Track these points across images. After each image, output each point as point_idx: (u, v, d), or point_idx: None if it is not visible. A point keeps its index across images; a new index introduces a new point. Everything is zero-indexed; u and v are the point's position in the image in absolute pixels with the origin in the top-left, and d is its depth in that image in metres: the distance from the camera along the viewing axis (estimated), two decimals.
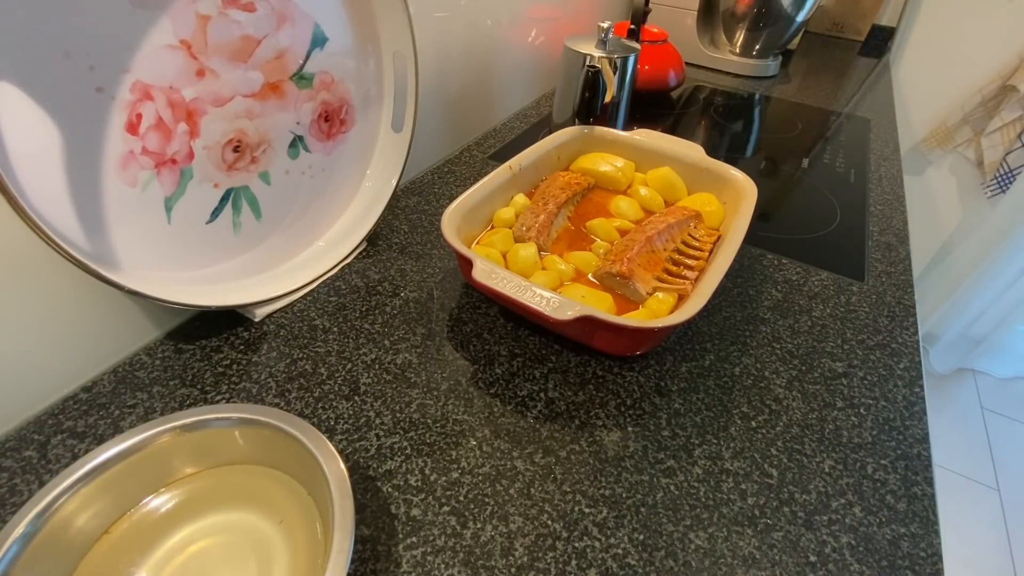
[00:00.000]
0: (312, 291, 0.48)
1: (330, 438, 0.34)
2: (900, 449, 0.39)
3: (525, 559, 0.31)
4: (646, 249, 0.46)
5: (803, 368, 0.45)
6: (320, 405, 0.39)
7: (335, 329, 0.45)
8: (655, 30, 0.90)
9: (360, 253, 0.53)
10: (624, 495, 0.35)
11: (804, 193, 0.71)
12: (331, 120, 0.48)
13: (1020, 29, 1.27)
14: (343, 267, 0.51)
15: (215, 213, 0.42)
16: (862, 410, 0.42)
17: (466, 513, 0.33)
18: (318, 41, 0.44)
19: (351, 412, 0.39)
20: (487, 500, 0.34)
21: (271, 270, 0.47)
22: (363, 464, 0.36)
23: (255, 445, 0.33)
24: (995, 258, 1.44)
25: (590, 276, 0.47)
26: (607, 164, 0.58)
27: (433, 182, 0.65)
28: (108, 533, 0.30)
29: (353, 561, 0.30)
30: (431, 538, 0.32)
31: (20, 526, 0.26)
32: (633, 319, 0.42)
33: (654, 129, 0.61)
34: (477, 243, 0.49)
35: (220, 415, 0.32)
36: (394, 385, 0.41)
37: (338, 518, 0.27)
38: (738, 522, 0.34)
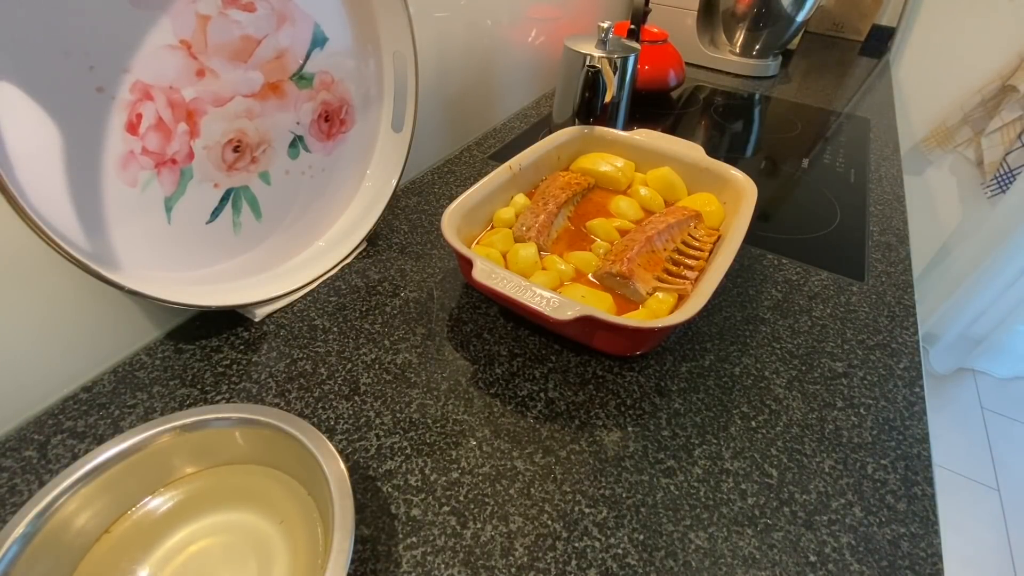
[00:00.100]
0: (312, 291, 0.48)
1: (330, 438, 0.34)
2: (900, 449, 0.39)
3: (525, 559, 0.31)
4: (646, 249, 0.46)
5: (803, 368, 0.45)
6: (320, 405, 0.39)
7: (335, 329, 0.45)
8: (655, 30, 0.90)
9: (360, 253, 0.53)
10: (624, 495, 0.35)
11: (804, 193, 0.71)
12: (331, 120, 0.48)
13: (1020, 29, 1.27)
14: (343, 267, 0.51)
15: (215, 213, 0.42)
16: (862, 410, 0.42)
17: (466, 513, 0.33)
18: (318, 41, 0.44)
19: (351, 412, 0.39)
20: (487, 500, 0.34)
21: (271, 270, 0.47)
22: (363, 464, 0.36)
23: (255, 445, 0.32)
24: (995, 258, 1.44)
25: (590, 276, 0.47)
26: (607, 164, 0.58)
27: (433, 182, 0.65)
28: (108, 533, 0.30)
29: (353, 561, 0.30)
30: (431, 538, 0.32)
31: (20, 526, 0.26)
32: (633, 319, 0.42)
33: (654, 129, 0.61)
34: (477, 243, 0.49)
35: (220, 415, 0.32)
36: (394, 385, 0.41)
37: (338, 518, 0.27)
38: (738, 522, 0.34)
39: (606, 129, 0.61)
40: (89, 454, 0.29)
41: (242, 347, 0.43)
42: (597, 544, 0.32)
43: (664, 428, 0.39)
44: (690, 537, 0.33)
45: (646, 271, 0.45)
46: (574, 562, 0.31)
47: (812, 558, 0.33)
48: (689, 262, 0.47)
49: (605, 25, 0.65)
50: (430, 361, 0.43)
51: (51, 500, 0.27)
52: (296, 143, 0.46)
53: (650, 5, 0.92)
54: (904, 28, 1.36)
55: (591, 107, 0.69)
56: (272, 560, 0.30)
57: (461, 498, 0.34)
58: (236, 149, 0.41)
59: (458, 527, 0.33)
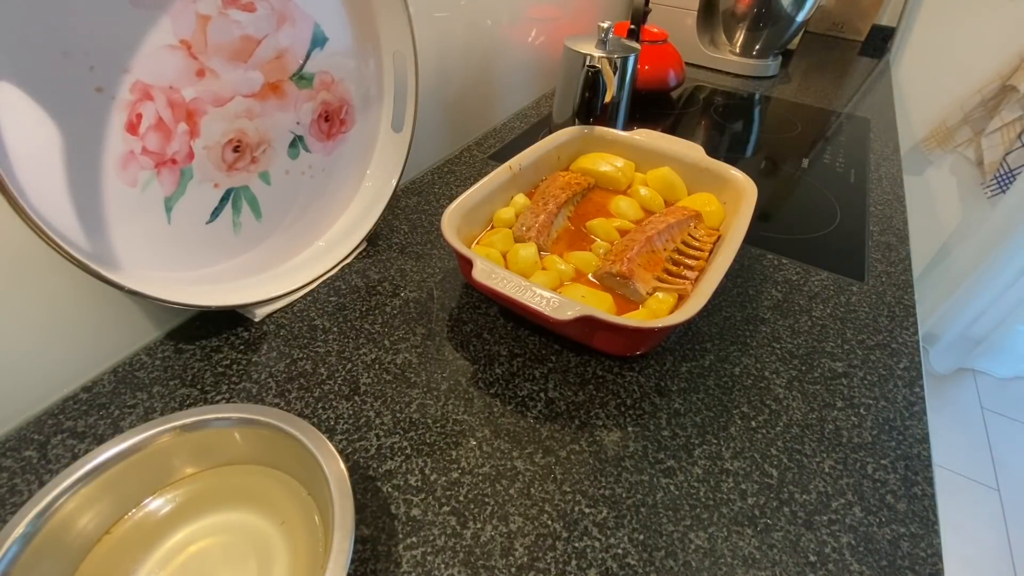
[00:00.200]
0: (312, 291, 0.48)
1: (330, 438, 0.34)
2: (900, 449, 0.39)
3: (525, 559, 0.31)
4: (646, 249, 0.46)
5: (803, 368, 0.45)
6: (320, 405, 0.39)
7: (335, 329, 0.45)
8: (655, 30, 0.90)
9: (360, 253, 0.53)
10: (624, 495, 0.35)
11: (804, 193, 0.71)
12: (331, 120, 0.48)
13: (1020, 29, 1.27)
14: (343, 267, 0.51)
15: (215, 213, 0.42)
16: (862, 410, 0.42)
17: (466, 513, 0.33)
18: (318, 41, 0.44)
19: (351, 412, 0.39)
20: (487, 500, 0.34)
21: (271, 270, 0.47)
22: (363, 464, 0.36)
23: (255, 445, 0.32)
24: (995, 258, 1.44)
25: (590, 276, 0.47)
26: (607, 164, 0.58)
27: (433, 182, 0.65)
28: (108, 533, 0.30)
29: (353, 561, 0.30)
30: (431, 538, 0.32)
31: (20, 526, 0.26)
32: (633, 319, 0.42)
33: (654, 129, 0.61)
34: (477, 243, 0.49)
35: (220, 415, 0.32)
36: (394, 385, 0.41)
37: (338, 518, 0.27)
38: (738, 522, 0.34)
39: (606, 129, 0.61)
40: (89, 454, 0.29)
41: (242, 347, 0.43)
42: (597, 544, 0.32)
43: (664, 428, 0.39)
44: (690, 537, 0.33)
45: (646, 271, 0.45)
46: (574, 562, 0.31)
47: (812, 558, 0.33)
48: (689, 262, 0.47)
49: (605, 25, 0.65)
50: (430, 361, 0.43)
51: (51, 500, 0.27)
52: (296, 143, 0.46)
53: (650, 5, 0.92)
54: (904, 28, 1.36)
55: (591, 107, 0.69)
56: (272, 560, 0.30)
57: (461, 498, 0.34)
58: (236, 149, 0.41)
59: (458, 527, 0.33)
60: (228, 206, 0.42)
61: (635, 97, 0.74)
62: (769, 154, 0.80)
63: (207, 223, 0.41)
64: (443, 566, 0.31)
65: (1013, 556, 1.27)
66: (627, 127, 0.68)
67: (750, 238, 0.59)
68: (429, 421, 0.38)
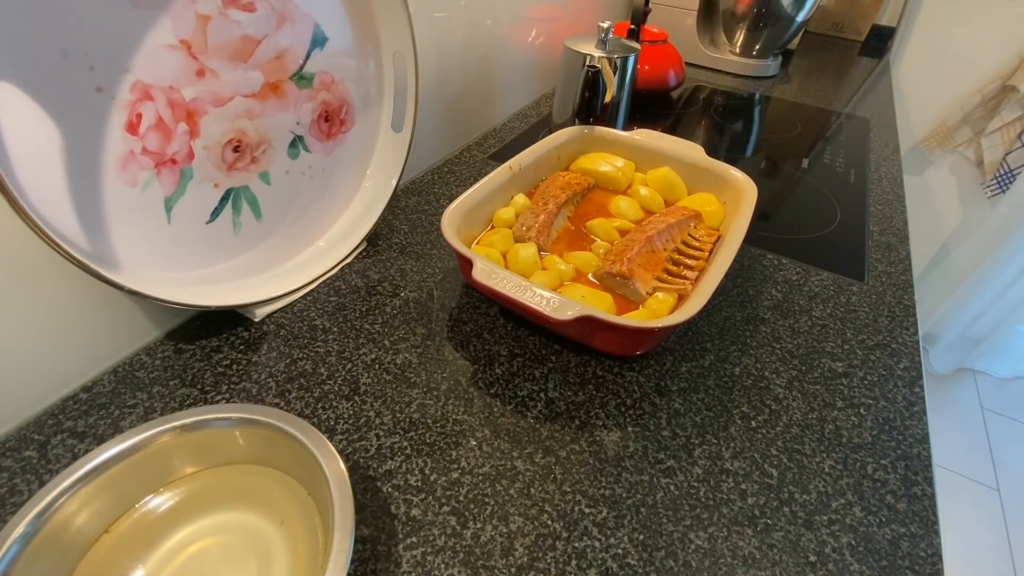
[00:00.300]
0: (312, 291, 0.48)
1: (330, 438, 0.34)
2: (900, 449, 0.39)
3: (525, 559, 0.31)
4: (646, 249, 0.46)
5: (803, 368, 0.45)
6: (320, 405, 0.39)
7: (335, 329, 0.45)
8: (655, 30, 0.90)
9: (360, 253, 0.53)
10: (624, 495, 0.35)
11: (804, 193, 0.70)
12: (331, 120, 0.48)
13: (1020, 29, 1.27)
14: (343, 267, 0.51)
15: (215, 213, 0.42)
16: (862, 410, 0.42)
17: (466, 513, 0.33)
18: (318, 41, 0.44)
19: (351, 412, 0.39)
20: (487, 500, 0.34)
21: (271, 270, 0.47)
22: (363, 464, 0.36)
23: (255, 445, 0.33)
24: (995, 258, 1.44)
25: (590, 276, 0.47)
26: (607, 164, 0.58)
27: (433, 182, 0.65)
28: (108, 533, 0.30)
29: (353, 561, 0.30)
30: (431, 538, 0.32)
31: (20, 526, 0.26)
32: (633, 319, 0.42)
33: (654, 129, 0.61)
34: (477, 243, 0.49)
35: (220, 415, 0.32)
36: (394, 385, 0.41)
37: (338, 518, 0.27)
38: (738, 522, 0.34)
39: (606, 129, 0.61)
40: (89, 454, 0.29)
41: (242, 347, 0.43)
42: (597, 544, 0.32)
43: (664, 428, 0.39)
44: (690, 537, 0.33)
45: (646, 271, 0.45)
46: (574, 562, 0.31)
47: (812, 558, 0.33)
48: (689, 262, 0.47)
49: (605, 25, 0.65)
50: (430, 361, 0.43)
51: (51, 500, 0.27)
52: (296, 143, 0.46)
53: (650, 5, 0.92)
54: (904, 28, 1.36)
55: (591, 107, 0.69)
56: (272, 560, 0.30)
57: (461, 498, 0.34)
58: (236, 149, 0.41)
59: (458, 527, 0.33)
60: (228, 206, 0.42)
61: (635, 97, 0.74)
62: (769, 154, 0.80)
63: (207, 223, 0.41)
64: (443, 566, 0.31)
65: (1013, 556, 1.27)
66: (627, 127, 0.68)
67: (750, 238, 0.59)
68: (429, 421, 0.38)
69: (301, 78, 0.44)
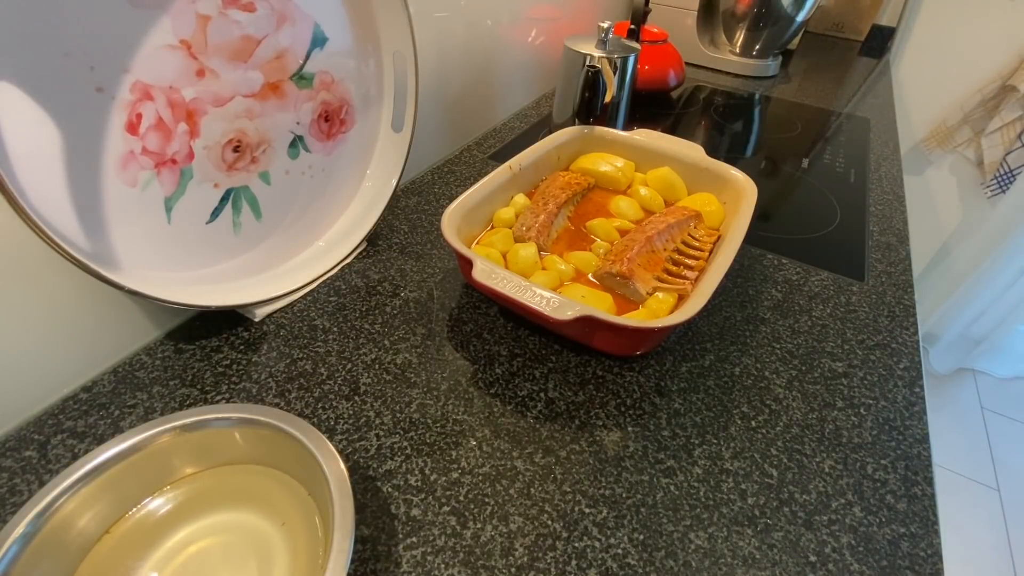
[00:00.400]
0: (312, 291, 0.48)
1: (330, 438, 0.34)
2: (900, 449, 0.39)
3: (525, 559, 0.31)
4: (646, 249, 0.46)
5: (803, 368, 0.45)
6: (320, 405, 0.39)
7: (335, 329, 0.45)
8: (655, 30, 0.90)
9: (360, 253, 0.53)
10: (624, 495, 0.35)
11: (804, 193, 0.71)
12: (331, 120, 0.48)
13: (1020, 29, 1.27)
14: (343, 267, 0.51)
15: (215, 213, 0.42)
16: (862, 410, 0.42)
17: (466, 513, 0.33)
18: (318, 41, 0.44)
19: (351, 412, 0.39)
20: (487, 500, 0.34)
21: (271, 270, 0.47)
22: (363, 464, 0.36)
23: (255, 445, 0.33)
24: (995, 258, 1.44)
25: (590, 276, 0.47)
26: (607, 164, 0.58)
27: (433, 182, 0.65)
28: (108, 533, 0.30)
29: (353, 561, 0.30)
30: (431, 538, 0.32)
31: (20, 526, 0.26)
32: (633, 319, 0.42)
33: (654, 129, 0.61)
34: (477, 243, 0.49)
35: (220, 415, 0.32)
36: (394, 385, 0.41)
37: (338, 518, 0.27)
38: (738, 522, 0.34)
39: (606, 129, 0.61)
40: (89, 454, 0.29)
41: (242, 347, 0.43)
42: (597, 544, 0.32)
43: (664, 428, 0.39)
44: (690, 537, 0.33)
45: (646, 271, 0.45)
46: (574, 562, 0.31)
47: (812, 558, 0.33)
48: (689, 262, 0.47)
49: (605, 25, 0.65)
50: (430, 361, 0.43)
51: (51, 500, 0.27)
52: (296, 143, 0.46)
53: (650, 5, 0.92)
54: (904, 28, 1.36)
55: (591, 107, 0.69)
56: (272, 560, 0.30)
57: (461, 498, 0.34)
58: (236, 149, 0.41)
59: (458, 527, 0.33)
60: (228, 206, 0.42)
61: (635, 97, 0.74)
62: (769, 154, 0.80)
63: (207, 223, 0.41)
64: (443, 566, 0.31)
65: (1013, 556, 1.27)
66: (627, 127, 0.68)
67: (750, 238, 0.59)
68: (429, 421, 0.38)
69: (301, 78, 0.44)
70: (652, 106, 0.92)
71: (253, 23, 0.39)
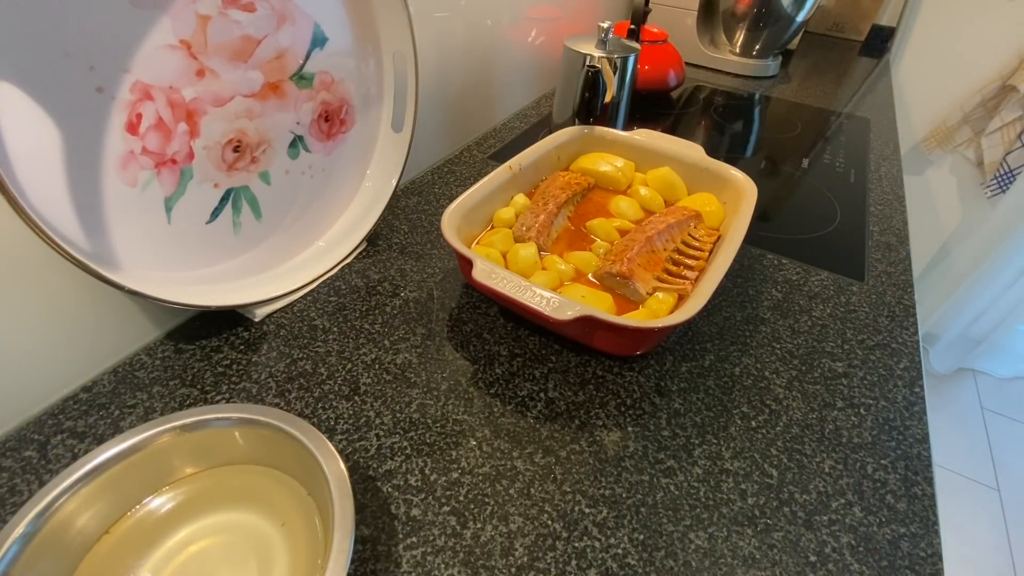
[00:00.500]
0: (312, 291, 0.48)
1: (330, 438, 0.34)
2: (900, 449, 0.39)
3: (525, 559, 0.31)
4: (646, 249, 0.46)
5: (803, 368, 0.45)
6: (320, 405, 0.39)
7: (335, 329, 0.45)
8: (655, 30, 0.90)
9: (360, 253, 0.53)
10: (624, 495, 0.35)
11: (804, 193, 0.70)
12: (331, 120, 0.48)
13: (1020, 29, 1.27)
14: (343, 267, 0.51)
15: (215, 213, 0.42)
16: (862, 410, 0.42)
17: (466, 513, 0.33)
18: (318, 41, 0.44)
19: (351, 412, 0.39)
20: (487, 500, 0.34)
21: (271, 270, 0.47)
22: (363, 464, 0.36)
23: (255, 445, 0.33)
24: (995, 258, 1.44)
25: (590, 276, 0.47)
26: (607, 164, 0.58)
27: (433, 182, 0.65)
28: (108, 533, 0.30)
29: (353, 561, 0.30)
30: (431, 538, 0.32)
31: (20, 526, 0.26)
32: (633, 319, 0.42)
33: (654, 129, 0.61)
34: (477, 243, 0.49)
35: (220, 415, 0.32)
36: (394, 385, 0.41)
37: (338, 518, 0.27)
38: (738, 522, 0.34)
39: (606, 129, 0.61)
40: (89, 454, 0.29)
41: (242, 347, 0.43)
42: (597, 544, 0.32)
43: (664, 428, 0.39)
44: (690, 537, 0.33)
45: (646, 271, 0.45)
46: (574, 562, 0.31)
47: (812, 558, 0.33)
48: (689, 262, 0.47)
49: (605, 25, 0.65)
50: (430, 361, 0.43)
51: (51, 500, 0.27)
52: (296, 143, 0.46)
53: (650, 5, 0.92)
54: (904, 28, 1.36)
55: (591, 107, 0.69)
56: (272, 560, 0.30)
57: (461, 498, 0.34)
58: (236, 149, 0.41)
59: (458, 527, 0.33)
60: (228, 206, 0.42)
61: (635, 97, 0.74)
62: (769, 154, 0.80)
63: (207, 223, 0.41)
64: (443, 566, 0.31)
65: (1013, 556, 1.27)
66: (627, 127, 0.68)
67: (750, 238, 0.59)
68: (429, 421, 0.38)
69: (301, 78, 0.44)
70: (652, 106, 0.92)
71: (253, 23, 0.39)
